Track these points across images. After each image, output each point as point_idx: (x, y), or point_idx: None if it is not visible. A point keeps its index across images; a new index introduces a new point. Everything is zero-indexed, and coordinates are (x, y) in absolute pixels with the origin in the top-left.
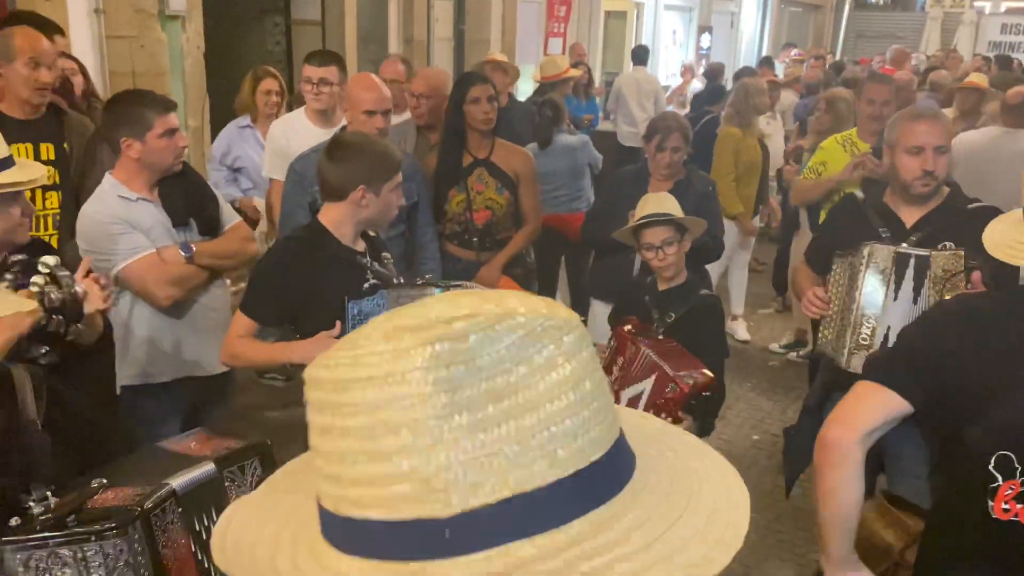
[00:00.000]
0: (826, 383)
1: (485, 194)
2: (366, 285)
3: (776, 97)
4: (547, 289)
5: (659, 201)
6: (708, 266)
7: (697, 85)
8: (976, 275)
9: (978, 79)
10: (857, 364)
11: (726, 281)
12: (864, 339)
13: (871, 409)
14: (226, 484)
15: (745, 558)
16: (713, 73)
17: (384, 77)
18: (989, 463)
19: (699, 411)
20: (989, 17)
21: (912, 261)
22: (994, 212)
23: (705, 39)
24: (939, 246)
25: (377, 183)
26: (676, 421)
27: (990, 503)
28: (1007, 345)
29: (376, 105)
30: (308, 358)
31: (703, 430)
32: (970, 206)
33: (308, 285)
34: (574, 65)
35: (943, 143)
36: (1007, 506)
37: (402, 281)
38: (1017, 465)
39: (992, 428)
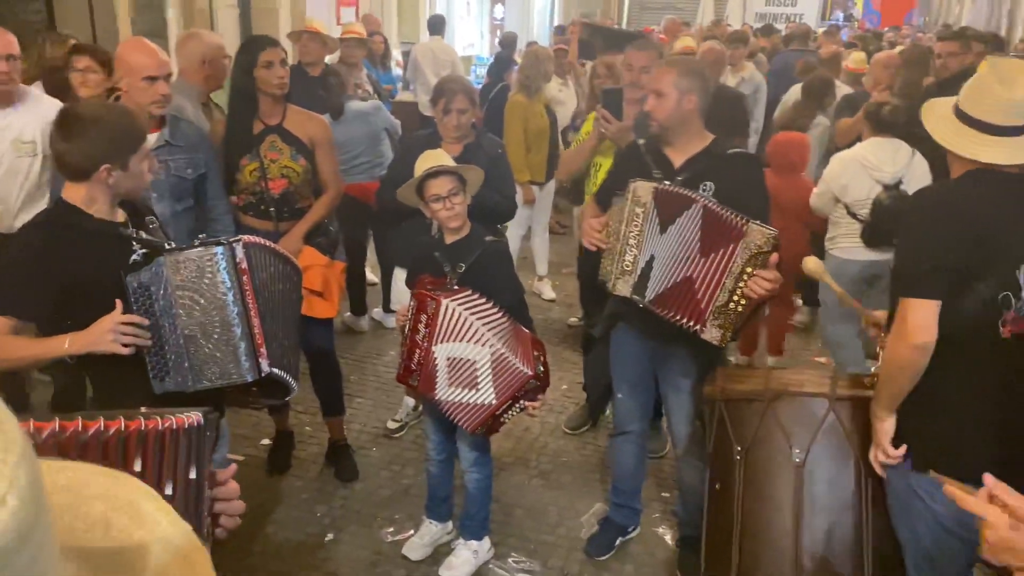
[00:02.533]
0: (612, 313)
1: (280, 162)
2: (135, 256)
3: (567, 65)
4: (355, 259)
5: (435, 156)
6: (513, 228)
7: None
8: (774, 257)
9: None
10: (622, 288)
11: (530, 243)
12: (627, 266)
13: (930, 316)
14: None
15: (559, 499)
16: (506, 43)
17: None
18: (997, 300)
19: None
20: None
21: (698, 209)
22: (747, 158)
23: (499, 10)
24: (702, 186)
25: (122, 157)
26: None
27: (1001, 328)
28: (983, 228)
29: (157, 70)
30: (89, 347)
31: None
32: (728, 151)
33: (70, 269)
34: (369, 35)
35: (660, 88)
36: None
37: (173, 245)
38: (1013, 300)
39: (993, 280)
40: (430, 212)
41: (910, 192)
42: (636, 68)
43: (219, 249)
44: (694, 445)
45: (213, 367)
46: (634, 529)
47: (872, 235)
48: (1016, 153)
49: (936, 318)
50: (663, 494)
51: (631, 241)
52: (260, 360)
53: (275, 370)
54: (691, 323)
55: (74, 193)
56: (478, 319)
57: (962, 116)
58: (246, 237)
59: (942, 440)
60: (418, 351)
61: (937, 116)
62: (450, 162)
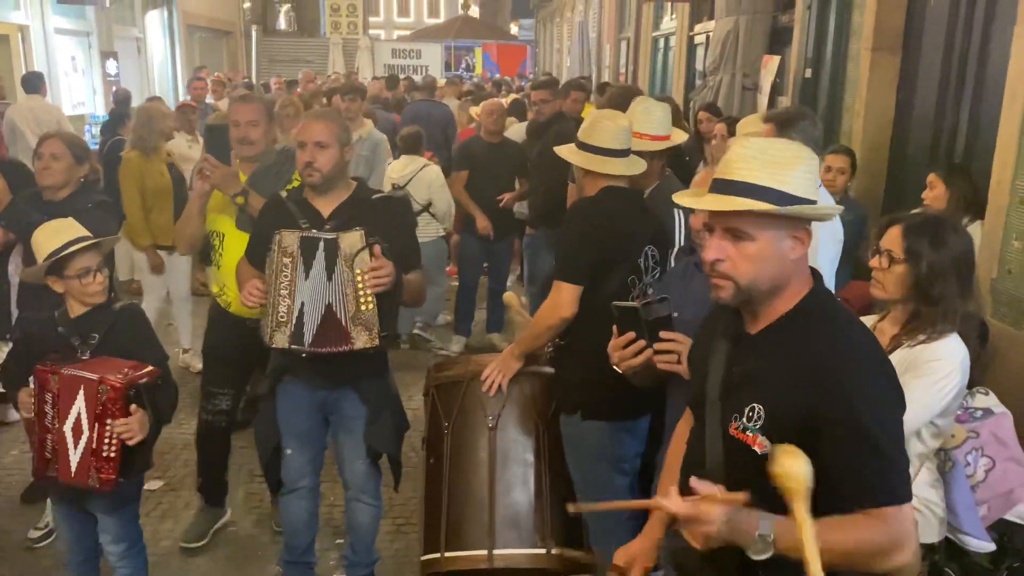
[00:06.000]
0: (277, 368)
1: None
2: None
3: (195, 120)
4: None
5: (68, 227)
6: (148, 297)
7: None
8: (377, 248)
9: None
10: (280, 340)
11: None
12: (282, 316)
13: (574, 295)
14: None
15: (229, 572)
16: (120, 99)
17: None
18: (627, 282)
19: (153, 404)
20: (383, 43)
21: (321, 244)
22: (393, 200)
23: (111, 65)
24: (353, 229)
25: None
26: (125, 415)
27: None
28: (616, 229)
29: None
30: None
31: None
32: (374, 196)
33: None
34: None
35: (324, 139)
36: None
37: None
38: (637, 281)
39: (624, 267)
40: (66, 288)
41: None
42: (244, 123)
43: None
44: (368, 482)
45: None
46: None
47: None
48: (631, 167)
49: (578, 298)
50: (337, 541)
51: (283, 292)
52: None
53: None
54: (344, 345)
55: None
56: (84, 370)
57: (585, 147)
58: None
59: (600, 392)
60: (50, 436)
61: (567, 150)
62: (81, 231)
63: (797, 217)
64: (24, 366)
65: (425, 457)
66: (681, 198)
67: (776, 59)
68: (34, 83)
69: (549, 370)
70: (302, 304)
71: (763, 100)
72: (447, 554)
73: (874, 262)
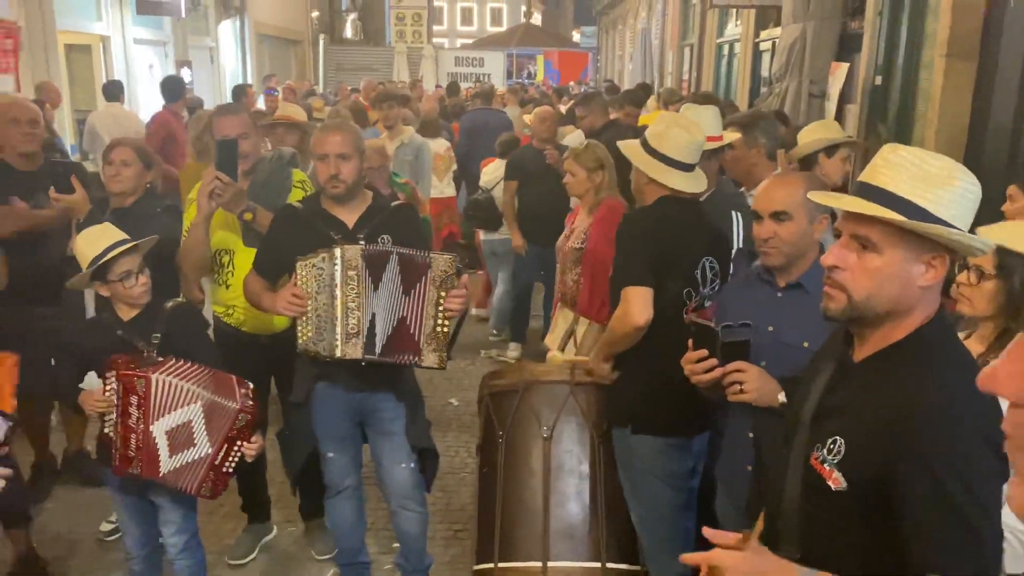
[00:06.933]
0: (313, 375)
1: None
2: None
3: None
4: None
5: (104, 233)
6: None
7: None
8: (465, 277)
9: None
10: (352, 351)
11: None
12: (352, 329)
13: (647, 299)
14: None
15: None
16: (192, 106)
17: None
18: (682, 295)
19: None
20: (446, 52)
21: (395, 258)
22: (408, 208)
23: (185, 73)
24: (380, 239)
25: None
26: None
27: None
28: (672, 240)
29: None
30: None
31: None
32: (393, 204)
33: None
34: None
35: (344, 150)
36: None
37: None
38: (693, 293)
39: (680, 279)
40: (111, 291)
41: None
42: (234, 136)
43: None
44: (413, 490)
45: None
46: None
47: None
48: (693, 183)
49: (650, 301)
50: (395, 545)
51: (351, 304)
52: None
53: None
54: (412, 358)
55: None
56: (186, 381)
57: (652, 151)
58: None
59: (651, 406)
60: (134, 436)
61: (634, 151)
62: (119, 235)
63: (935, 239)
64: (75, 371)
65: (479, 466)
66: (817, 196)
67: (844, 66)
68: (114, 91)
69: (606, 381)
70: (373, 315)
71: (831, 108)
72: (500, 564)
73: (962, 277)
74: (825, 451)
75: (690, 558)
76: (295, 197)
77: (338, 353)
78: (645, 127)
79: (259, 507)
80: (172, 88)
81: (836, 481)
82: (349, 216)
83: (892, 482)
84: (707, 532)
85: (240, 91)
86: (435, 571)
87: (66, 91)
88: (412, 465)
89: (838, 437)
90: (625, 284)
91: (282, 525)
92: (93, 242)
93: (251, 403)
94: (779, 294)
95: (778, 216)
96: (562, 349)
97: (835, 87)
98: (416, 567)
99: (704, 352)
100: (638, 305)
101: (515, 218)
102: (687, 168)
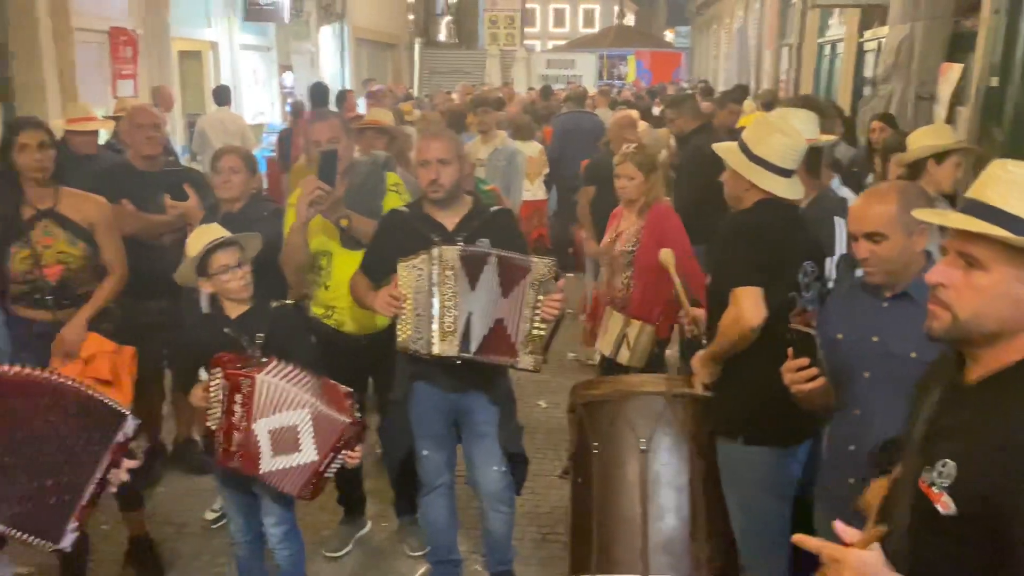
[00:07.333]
0: (412, 374)
1: (55, 247)
2: None
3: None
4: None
5: (209, 230)
6: None
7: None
8: (562, 281)
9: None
10: (448, 349)
11: None
12: (448, 327)
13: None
14: None
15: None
16: (296, 111)
17: None
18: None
19: None
20: (538, 54)
21: (494, 260)
22: (507, 213)
23: (288, 78)
24: (479, 241)
25: None
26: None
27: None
28: (774, 244)
29: None
30: None
31: None
32: (491, 209)
33: None
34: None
35: (445, 156)
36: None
37: None
38: (797, 298)
39: (783, 284)
40: (213, 286)
41: None
42: (324, 142)
43: None
44: (504, 491)
45: None
46: None
47: None
48: (791, 189)
49: (761, 301)
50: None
51: (447, 303)
52: None
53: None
54: (508, 359)
55: None
56: (293, 384)
57: (750, 155)
58: None
59: (764, 416)
60: (236, 432)
61: (732, 153)
62: (223, 232)
63: None
64: (190, 363)
65: (572, 476)
66: (921, 214)
67: (958, 67)
68: (223, 96)
69: (705, 393)
70: (469, 314)
71: (940, 111)
72: None
73: None
74: (935, 474)
75: (810, 543)
76: (390, 200)
77: (435, 350)
78: (741, 129)
79: (356, 502)
80: (220, 95)
81: (945, 505)
82: (450, 220)
83: (1006, 511)
84: (838, 527)
85: (342, 97)
86: (525, 573)
87: (178, 95)
88: (503, 468)
89: (948, 460)
90: (735, 285)
91: (376, 520)
92: (196, 241)
93: (360, 416)
94: (884, 304)
95: (872, 237)
96: (614, 354)
97: (946, 89)
98: (500, 559)
99: (805, 361)
100: (751, 305)
101: (589, 224)
102: (785, 174)
